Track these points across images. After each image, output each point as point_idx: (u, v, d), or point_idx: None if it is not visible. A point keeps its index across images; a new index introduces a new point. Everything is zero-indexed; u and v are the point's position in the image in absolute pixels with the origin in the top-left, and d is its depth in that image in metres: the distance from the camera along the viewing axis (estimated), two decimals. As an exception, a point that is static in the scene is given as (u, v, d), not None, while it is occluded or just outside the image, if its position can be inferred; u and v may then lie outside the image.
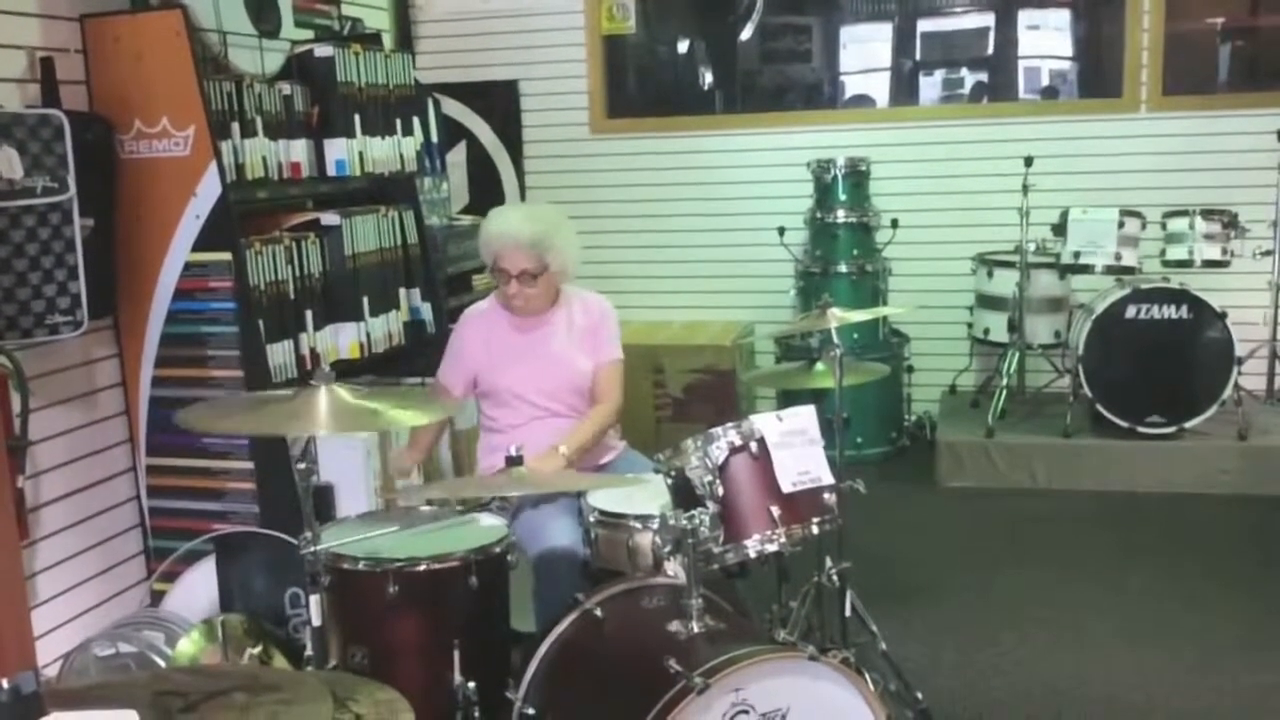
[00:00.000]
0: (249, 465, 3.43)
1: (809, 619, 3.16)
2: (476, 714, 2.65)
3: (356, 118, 3.80)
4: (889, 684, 3.16)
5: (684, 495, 2.62)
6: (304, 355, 3.61)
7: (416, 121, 4.15)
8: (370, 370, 3.95)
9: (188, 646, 3.07)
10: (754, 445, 2.60)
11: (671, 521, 2.49)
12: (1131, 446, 5.00)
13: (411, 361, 4.02)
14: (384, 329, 3.96)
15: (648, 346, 5.55)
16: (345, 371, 3.78)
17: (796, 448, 2.62)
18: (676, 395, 5.58)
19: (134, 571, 3.62)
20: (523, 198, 6.24)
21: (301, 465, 2.51)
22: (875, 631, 3.25)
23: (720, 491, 2.56)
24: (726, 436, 2.60)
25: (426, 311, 4.18)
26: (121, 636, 3.17)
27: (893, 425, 5.69)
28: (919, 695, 3.20)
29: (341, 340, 3.77)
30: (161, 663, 3.05)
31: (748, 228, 5.90)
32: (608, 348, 3.34)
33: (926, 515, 4.91)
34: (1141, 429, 4.99)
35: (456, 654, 2.65)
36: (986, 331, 5.49)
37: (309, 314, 3.63)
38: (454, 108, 6.16)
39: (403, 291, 4.08)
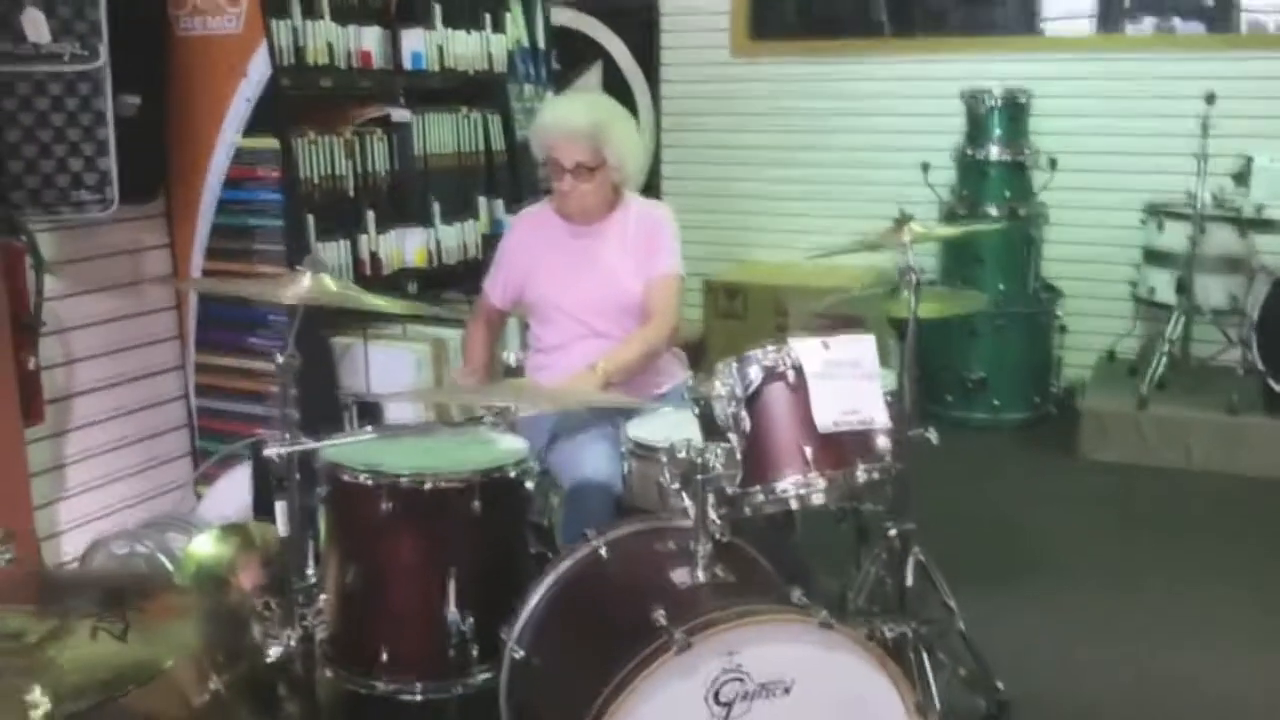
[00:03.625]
0: (292, 369, 3.24)
1: (874, 589, 2.79)
2: (475, 652, 2.40)
3: (437, 7, 3.53)
4: (959, 668, 2.76)
5: (711, 427, 2.28)
6: (363, 259, 3.40)
7: (510, 19, 3.86)
8: (441, 282, 3.71)
9: (202, 548, 2.89)
10: (791, 374, 2.22)
11: (680, 454, 2.15)
12: (1306, 430, 4.38)
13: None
14: (458, 238, 3.71)
15: (773, 286, 5.20)
16: (413, 279, 3.59)
17: (844, 380, 2.23)
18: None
19: (181, 471, 3.50)
20: (657, 123, 5.92)
21: (281, 358, 2.29)
22: (953, 607, 2.85)
23: (746, 425, 2.20)
24: (762, 361, 2.23)
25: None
26: (144, 535, 3.03)
27: (1037, 390, 5.17)
28: (1000, 684, 2.80)
29: (407, 245, 3.54)
30: (170, 565, 2.89)
31: (891, 165, 5.41)
32: (664, 259, 2.95)
33: (1060, 489, 4.43)
34: (1320, 411, 4.36)
35: (452, 583, 2.40)
36: (1152, 291, 4.89)
37: (370, 214, 3.41)
38: (591, 25, 5.86)
39: (483, 200, 3.81)
